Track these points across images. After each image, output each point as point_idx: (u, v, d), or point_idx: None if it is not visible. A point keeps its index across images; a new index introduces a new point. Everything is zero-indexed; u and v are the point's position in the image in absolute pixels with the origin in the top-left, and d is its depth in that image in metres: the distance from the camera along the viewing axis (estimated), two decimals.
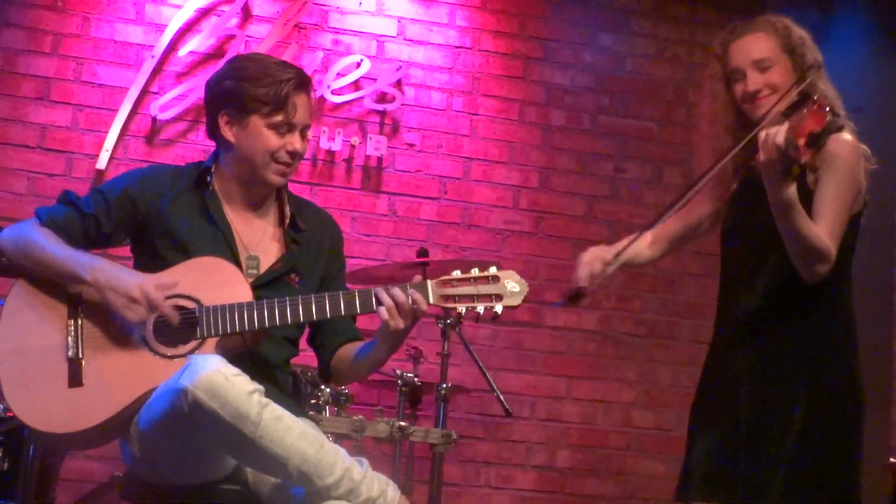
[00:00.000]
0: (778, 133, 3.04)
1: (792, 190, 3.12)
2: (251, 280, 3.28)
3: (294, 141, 3.32)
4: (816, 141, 2.97)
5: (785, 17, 3.52)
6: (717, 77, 3.58)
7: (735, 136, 3.44)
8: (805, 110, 3.03)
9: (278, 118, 3.28)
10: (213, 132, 3.39)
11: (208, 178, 3.38)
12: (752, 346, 3.40)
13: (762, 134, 3.10)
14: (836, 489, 3.28)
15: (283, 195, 3.49)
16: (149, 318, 3.12)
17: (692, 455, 3.49)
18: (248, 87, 3.26)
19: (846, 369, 3.35)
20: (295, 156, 3.35)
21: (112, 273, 3.13)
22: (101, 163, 5.85)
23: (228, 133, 3.32)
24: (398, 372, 4.98)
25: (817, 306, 3.34)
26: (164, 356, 3.10)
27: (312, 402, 4.59)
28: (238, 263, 3.30)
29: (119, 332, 3.15)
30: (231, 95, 3.30)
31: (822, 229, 3.20)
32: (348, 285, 3.56)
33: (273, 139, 3.29)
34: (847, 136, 3.31)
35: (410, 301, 3.12)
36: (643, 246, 3.77)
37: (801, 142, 2.97)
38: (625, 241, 3.56)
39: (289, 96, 3.27)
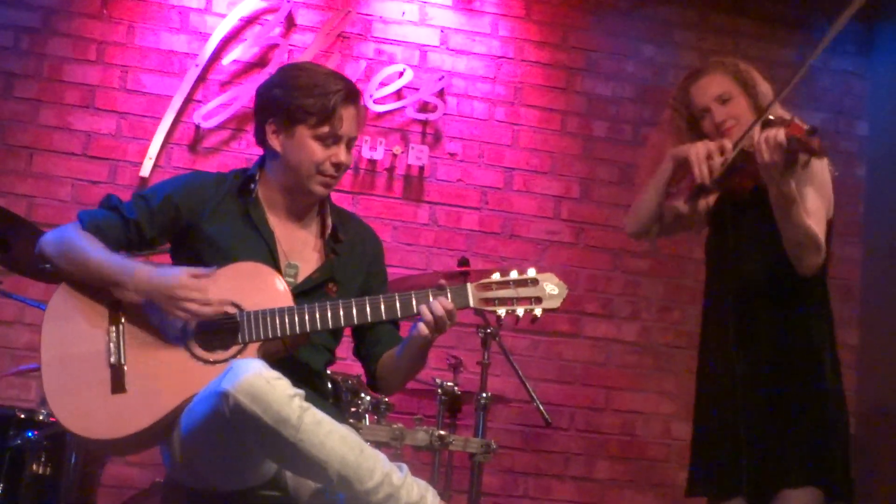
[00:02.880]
0: (777, 133, 3.38)
1: (794, 185, 3.45)
2: (291, 287, 3.27)
3: (339, 153, 3.33)
4: (814, 131, 3.34)
5: (732, 57, 3.93)
6: (678, 118, 3.89)
7: None
8: (778, 124, 3.43)
9: (324, 129, 3.29)
10: (261, 140, 3.39)
11: (252, 186, 3.39)
12: (745, 341, 3.70)
13: (760, 137, 3.42)
14: (832, 470, 3.57)
15: (326, 206, 3.49)
16: (192, 318, 3.14)
17: (697, 451, 3.88)
18: (296, 97, 3.28)
19: (834, 362, 3.69)
20: (339, 168, 3.35)
21: (154, 272, 3.14)
22: (145, 170, 5.88)
23: (275, 142, 3.33)
24: (438, 381, 4.98)
25: (807, 301, 3.68)
26: (206, 361, 3.11)
27: (352, 409, 4.55)
28: (278, 270, 3.29)
29: (161, 338, 3.15)
30: (279, 104, 3.30)
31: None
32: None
33: (318, 151, 3.30)
34: None
35: (453, 313, 3.17)
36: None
37: (802, 135, 3.35)
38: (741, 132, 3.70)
39: (336, 108, 3.28)
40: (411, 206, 6.19)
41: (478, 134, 6.34)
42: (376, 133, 6.15)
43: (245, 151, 6.02)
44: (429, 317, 3.15)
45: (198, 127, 6.01)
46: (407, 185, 6.20)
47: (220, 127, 6.05)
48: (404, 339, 3.35)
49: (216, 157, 6.03)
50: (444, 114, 6.27)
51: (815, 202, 3.62)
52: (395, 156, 6.16)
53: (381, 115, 6.19)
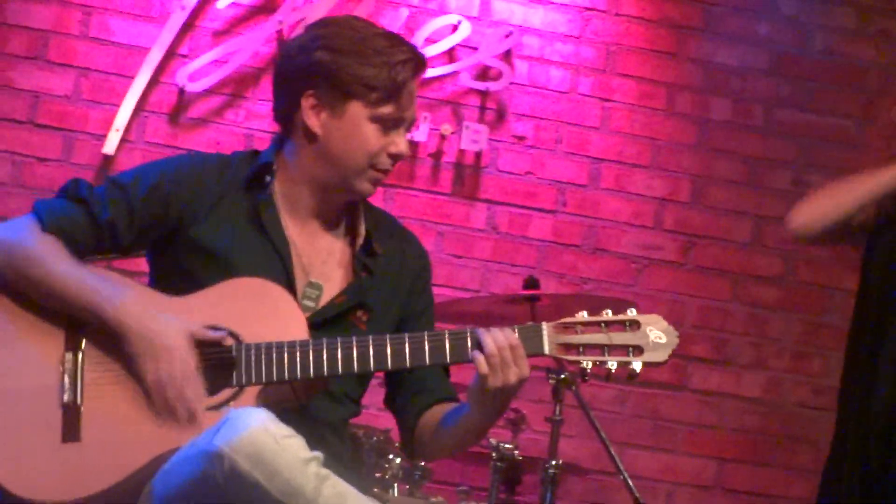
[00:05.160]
0: None
1: None
2: (307, 315, 3.26)
3: (399, 141, 3.33)
4: None
5: None
6: None
7: None
8: None
9: (387, 109, 3.28)
10: (287, 117, 3.38)
11: (268, 178, 3.38)
12: None
13: None
14: None
15: (359, 206, 3.49)
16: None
17: None
18: (351, 64, 3.25)
19: None
20: (397, 160, 3.37)
21: (148, 312, 3.11)
22: (110, 146, 5.90)
23: (313, 120, 3.31)
24: (493, 442, 4.99)
25: None
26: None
27: (377, 475, 4.65)
28: (293, 291, 3.28)
29: (132, 372, 3.10)
30: (326, 71, 3.28)
31: None
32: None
33: (374, 136, 3.29)
34: None
35: (519, 350, 3.10)
36: None
37: None
38: None
39: (405, 83, 3.29)
40: (463, 205, 6.22)
41: (555, 111, 6.34)
42: (420, 106, 5.98)
43: (243, 125, 6.00)
44: (491, 347, 3.08)
45: (182, 90, 6.01)
46: (458, 177, 6.23)
47: (211, 91, 6.05)
48: (467, 391, 3.27)
49: (204, 132, 6.05)
50: (511, 83, 6.26)
51: None
52: (443, 137, 6.19)
53: (426, 82, 6.12)
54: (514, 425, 5.25)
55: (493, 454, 4.99)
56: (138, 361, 3.07)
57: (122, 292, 3.12)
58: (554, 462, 4.91)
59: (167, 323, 3.10)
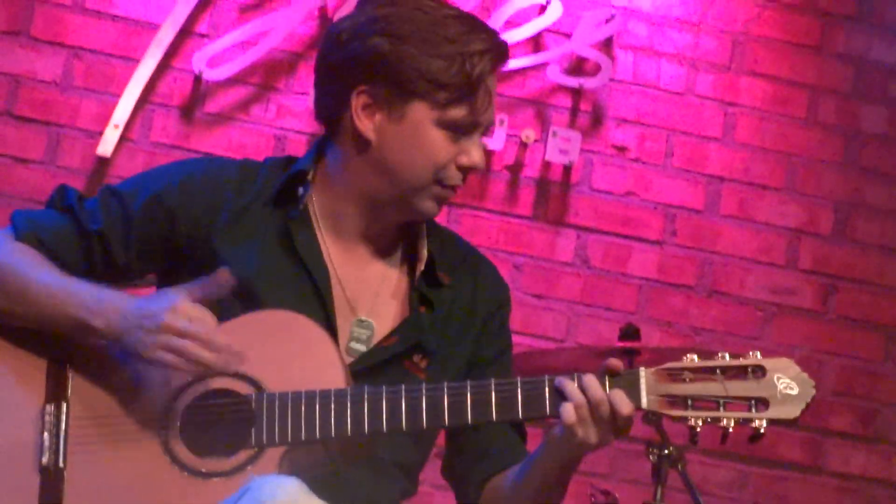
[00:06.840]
0: None
1: None
2: (352, 360, 3.26)
3: (473, 151, 3.31)
4: None
5: None
6: None
7: None
8: None
9: (458, 112, 3.25)
10: (333, 117, 3.36)
11: (300, 190, 3.36)
12: None
13: None
14: None
15: (421, 224, 3.48)
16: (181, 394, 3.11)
17: None
18: (415, 55, 3.22)
19: None
20: (469, 173, 3.34)
21: (133, 298, 3.10)
22: (107, 146, 5.90)
23: (366, 123, 3.28)
24: None
25: None
26: (196, 473, 3.05)
27: None
28: (332, 328, 3.27)
29: (128, 429, 3.11)
30: (383, 63, 3.24)
31: None
32: None
33: (443, 145, 3.27)
34: None
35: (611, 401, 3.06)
36: None
37: None
38: None
39: (482, 79, 3.26)
40: (547, 231, 6.23)
41: (666, 117, 6.34)
42: (496, 106, 5.99)
43: (274, 124, 6.04)
44: (579, 397, 3.03)
45: (198, 78, 6.03)
46: (541, 196, 6.24)
47: (235, 80, 6.06)
48: (531, 454, 3.28)
49: (225, 131, 6.07)
50: (612, 80, 6.25)
51: None
52: (524, 146, 6.19)
53: (505, 75, 6.08)
54: None
55: None
56: (130, 344, 3.07)
57: (105, 290, 3.14)
58: None
59: (160, 294, 3.14)
